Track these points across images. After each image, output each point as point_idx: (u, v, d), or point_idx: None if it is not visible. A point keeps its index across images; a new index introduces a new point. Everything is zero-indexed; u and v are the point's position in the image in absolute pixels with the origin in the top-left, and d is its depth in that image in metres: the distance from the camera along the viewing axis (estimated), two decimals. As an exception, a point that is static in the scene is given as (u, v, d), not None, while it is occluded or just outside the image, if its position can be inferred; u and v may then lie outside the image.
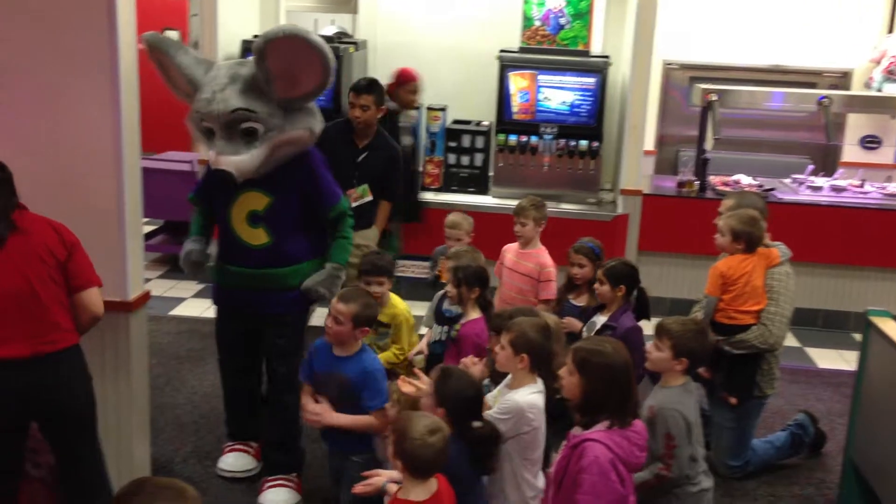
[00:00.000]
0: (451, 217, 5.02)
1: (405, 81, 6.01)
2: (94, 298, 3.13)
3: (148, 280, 6.77)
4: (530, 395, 3.15)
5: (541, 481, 3.23)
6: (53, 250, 3.02)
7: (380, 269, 4.14)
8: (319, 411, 3.45)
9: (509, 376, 3.30)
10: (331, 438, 3.56)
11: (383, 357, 4.02)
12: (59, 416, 3.07)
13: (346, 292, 3.52)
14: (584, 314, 4.32)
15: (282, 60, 3.50)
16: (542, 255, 4.77)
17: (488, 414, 3.13)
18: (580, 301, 4.47)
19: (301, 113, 3.70)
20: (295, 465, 4.01)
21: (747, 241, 4.21)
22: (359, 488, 2.96)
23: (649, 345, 3.40)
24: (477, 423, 3.00)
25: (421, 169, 6.89)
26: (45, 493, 3.61)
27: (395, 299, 4.27)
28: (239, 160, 3.57)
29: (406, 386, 3.27)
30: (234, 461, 4.14)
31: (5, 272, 2.93)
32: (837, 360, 6.10)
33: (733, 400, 4.27)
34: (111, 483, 3.36)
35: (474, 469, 3.01)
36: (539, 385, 3.24)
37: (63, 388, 3.03)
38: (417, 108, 6.37)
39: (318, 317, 5.04)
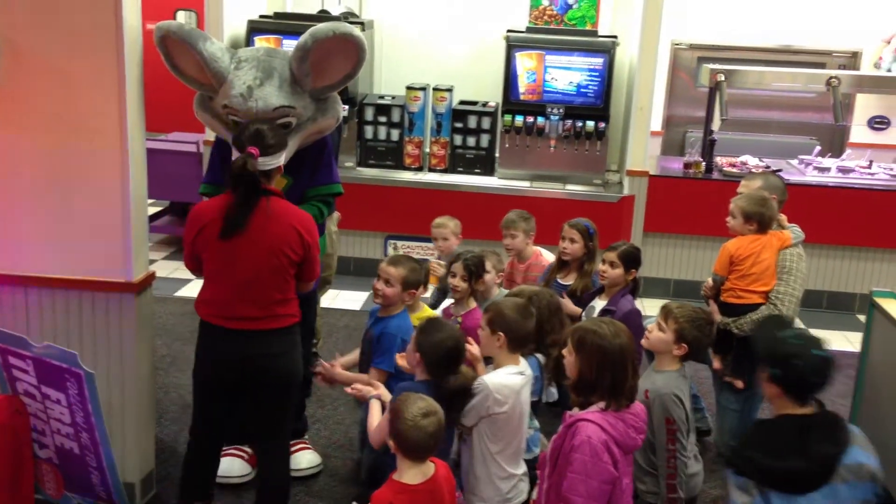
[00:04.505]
0: (439, 218, 5.01)
1: None
2: (305, 287, 3.47)
3: (153, 261, 6.82)
4: (506, 377, 3.17)
5: (518, 467, 3.25)
6: (287, 250, 3.24)
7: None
8: (328, 369, 3.70)
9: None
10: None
11: None
12: (270, 380, 3.36)
13: (394, 257, 3.83)
14: (577, 297, 4.34)
15: (321, 55, 3.46)
16: (541, 257, 4.78)
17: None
18: (567, 280, 4.48)
19: (329, 101, 3.68)
20: (304, 430, 4.25)
21: (759, 222, 4.21)
22: (348, 390, 3.28)
23: (651, 324, 3.39)
24: (451, 377, 3.05)
25: (427, 150, 6.89)
26: (53, 473, 3.66)
27: (425, 306, 4.34)
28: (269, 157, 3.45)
29: (402, 361, 3.36)
30: (229, 466, 3.91)
31: (242, 260, 3.21)
32: (842, 341, 6.09)
33: (740, 383, 4.27)
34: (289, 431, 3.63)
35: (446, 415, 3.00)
36: (521, 367, 3.25)
37: (278, 357, 3.34)
38: None
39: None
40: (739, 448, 2.74)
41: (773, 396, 2.73)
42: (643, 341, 3.40)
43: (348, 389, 3.49)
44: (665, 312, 3.34)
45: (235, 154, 3.26)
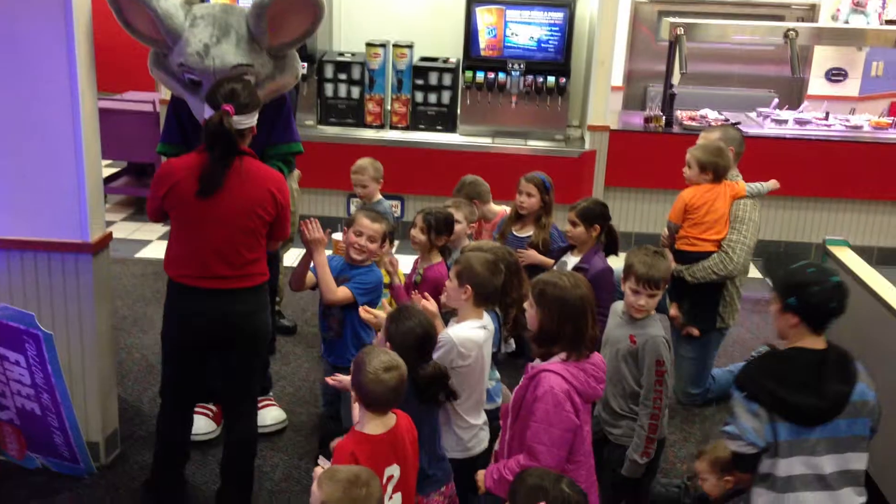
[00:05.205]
0: (360, 161, 4.89)
1: None
2: (274, 246, 3.51)
3: (112, 223, 6.75)
4: (470, 331, 3.19)
5: (478, 417, 3.30)
6: (260, 210, 3.23)
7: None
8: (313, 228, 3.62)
9: None
10: (332, 356, 3.79)
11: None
12: (242, 339, 3.36)
13: (369, 213, 3.73)
14: (538, 250, 4.38)
15: (279, 11, 3.41)
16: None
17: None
18: (523, 233, 4.51)
19: (288, 58, 3.64)
20: (269, 387, 4.30)
21: (714, 172, 4.27)
22: (329, 380, 3.18)
23: (627, 291, 3.34)
24: (424, 364, 2.98)
25: (388, 107, 6.85)
26: (15, 434, 3.66)
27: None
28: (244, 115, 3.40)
29: (365, 314, 3.35)
30: (195, 424, 3.73)
31: (215, 219, 3.18)
32: (799, 291, 6.21)
33: (695, 331, 4.36)
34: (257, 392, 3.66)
35: (420, 403, 2.98)
36: (484, 321, 3.28)
37: (250, 316, 3.34)
38: None
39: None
40: (752, 373, 2.77)
41: (789, 328, 2.74)
42: (633, 313, 3.33)
43: (329, 379, 3.42)
44: (641, 280, 3.28)
45: (208, 112, 3.17)
